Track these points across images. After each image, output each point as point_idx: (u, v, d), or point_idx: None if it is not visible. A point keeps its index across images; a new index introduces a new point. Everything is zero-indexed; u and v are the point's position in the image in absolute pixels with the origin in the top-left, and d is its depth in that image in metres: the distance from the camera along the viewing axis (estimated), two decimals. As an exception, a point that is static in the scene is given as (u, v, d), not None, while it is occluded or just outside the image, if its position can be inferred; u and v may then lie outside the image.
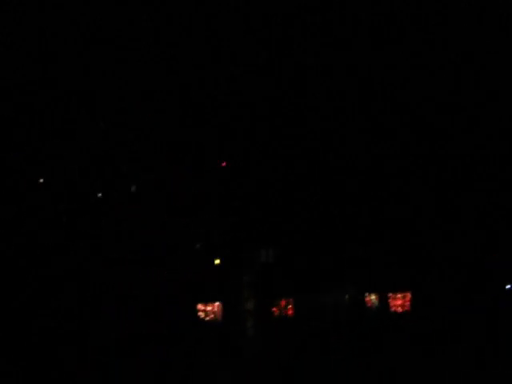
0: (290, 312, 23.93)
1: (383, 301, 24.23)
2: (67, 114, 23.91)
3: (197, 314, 23.16)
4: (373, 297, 24.34)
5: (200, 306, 23.31)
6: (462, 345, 20.87)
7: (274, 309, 23.75)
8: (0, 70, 23.76)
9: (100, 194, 23.82)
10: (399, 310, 24.19)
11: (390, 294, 24.26)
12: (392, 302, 24.26)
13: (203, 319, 23.21)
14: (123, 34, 23.99)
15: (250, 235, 23.74)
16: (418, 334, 22.26)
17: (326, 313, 23.64)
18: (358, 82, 23.95)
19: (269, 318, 23.49)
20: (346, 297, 24.16)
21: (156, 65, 24.23)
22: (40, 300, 22.06)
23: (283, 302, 24.03)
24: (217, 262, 23.62)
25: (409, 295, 24.13)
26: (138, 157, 24.28)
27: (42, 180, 23.88)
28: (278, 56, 23.86)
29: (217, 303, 23.40)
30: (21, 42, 24.06)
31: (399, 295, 24.21)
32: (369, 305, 24.33)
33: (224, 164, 24.42)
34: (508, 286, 23.29)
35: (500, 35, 22.91)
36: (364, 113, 23.90)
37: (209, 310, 23.28)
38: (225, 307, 23.31)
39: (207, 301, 23.33)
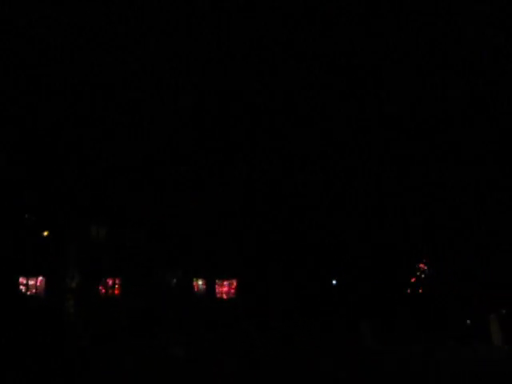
0: (117, 291, 24.02)
1: (210, 286, 25.05)
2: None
3: (17, 287, 22.31)
4: (200, 282, 25.17)
5: (22, 280, 22.56)
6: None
7: (101, 287, 23.69)
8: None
9: None
10: (224, 296, 25.05)
11: (217, 281, 25.16)
12: (218, 289, 25.14)
13: (24, 293, 22.45)
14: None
15: (81, 211, 23.58)
16: (242, 317, 22.75)
17: (153, 294, 23.82)
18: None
19: (94, 297, 23.14)
20: (174, 280, 24.73)
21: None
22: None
23: (110, 281, 24.14)
24: (45, 233, 22.88)
25: (235, 283, 25.03)
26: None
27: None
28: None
29: (40, 278, 22.67)
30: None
31: (225, 282, 25.15)
32: (195, 289, 25.07)
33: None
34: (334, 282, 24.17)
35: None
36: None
37: (31, 284, 22.63)
38: (48, 282, 22.56)
39: (28, 274, 22.54)
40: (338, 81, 24.04)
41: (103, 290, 23.84)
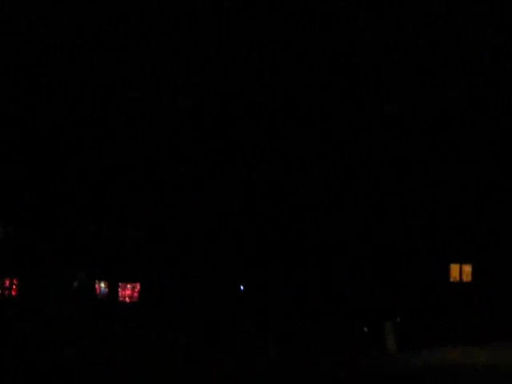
0: (14, 292, 23.55)
1: (112, 289, 24.55)
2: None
3: None
4: (102, 284, 24.65)
5: None
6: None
7: None
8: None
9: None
10: (127, 300, 24.60)
11: (120, 284, 24.63)
12: (121, 292, 24.62)
13: None
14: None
15: None
16: (146, 323, 22.50)
17: (53, 295, 23.36)
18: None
19: None
20: (75, 282, 24.24)
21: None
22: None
23: (7, 282, 23.54)
24: None
25: (138, 286, 24.53)
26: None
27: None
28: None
29: None
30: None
31: (129, 285, 24.58)
32: (97, 292, 24.57)
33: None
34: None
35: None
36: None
37: None
38: None
39: None
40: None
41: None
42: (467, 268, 24.58)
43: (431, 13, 22.95)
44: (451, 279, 24.61)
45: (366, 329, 21.46)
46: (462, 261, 24.55)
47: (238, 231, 24.72)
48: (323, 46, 23.82)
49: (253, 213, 24.88)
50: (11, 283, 23.66)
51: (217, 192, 25.01)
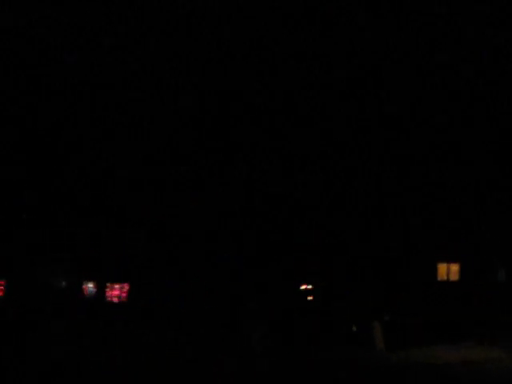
0: (1, 293, 23.52)
1: (100, 289, 24.50)
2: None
3: None
4: (90, 285, 24.58)
5: None
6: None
7: None
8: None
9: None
10: (115, 300, 24.52)
11: (108, 284, 24.59)
12: (109, 292, 24.58)
13: None
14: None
15: None
16: (130, 322, 22.50)
17: (42, 296, 23.37)
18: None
19: None
20: (63, 282, 24.26)
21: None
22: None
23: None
24: None
25: (126, 286, 24.50)
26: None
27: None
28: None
29: None
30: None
31: (117, 285, 24.54)
32: (85, 292, 24.50)
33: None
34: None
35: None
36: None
37: None
38: None
39: None
40: (338, 81, 24.03)
41: None
42: (454, 267, 24.70)
43: (431, 13, 22.95)
44: (438, 278, 24.73)
45: (354, 328, 21.56)
46: (449, 260, 24.65)
47: (238, 231, 24.72)
48: (323, 46, 23.82)
49: (253, 213, 24.88)
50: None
51: (217, 192, 25.01)
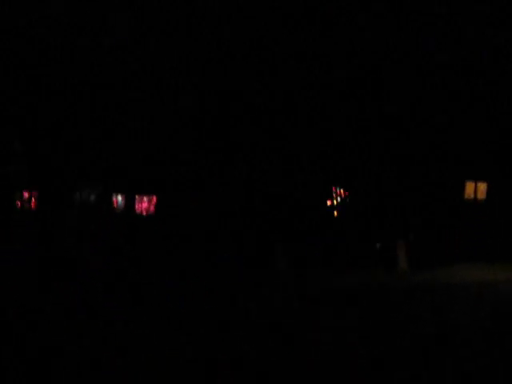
0: (33, 205, 23.32)
1: (129, 202, 24.52)
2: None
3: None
4: (119, 197, 24.64)
5: None
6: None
7: (18, 202, 23.16)
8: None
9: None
10: (144, 212, 24.48)
11: (137, 196, 24.62)
12: (138, 205, 24.58)
13: None
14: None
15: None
16: (163, 235, 22.45)
17: (76, 210, 23.45)
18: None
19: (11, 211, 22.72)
20: (93, 195, 24.29)
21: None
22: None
23: (26, 195, 23.40)
24: None
25: (154, 199, 24.38)
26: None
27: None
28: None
29: None
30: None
31: (145, 198, 24.53)
32: (115, 205, 24.53)
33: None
34: None
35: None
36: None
37: None
38: None
39: None
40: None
41: (20, 204, 23.07)
42: (482, 186, 23.98)
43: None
44: (465, 197, 24.02)
45: (378, 245, 20.95)
46: (476, 178, 23.93)
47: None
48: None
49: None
50: (30, 196, 23.25)
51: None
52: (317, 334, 9.59)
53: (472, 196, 23.94)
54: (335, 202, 24.25)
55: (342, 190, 24.42)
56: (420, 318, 11.07)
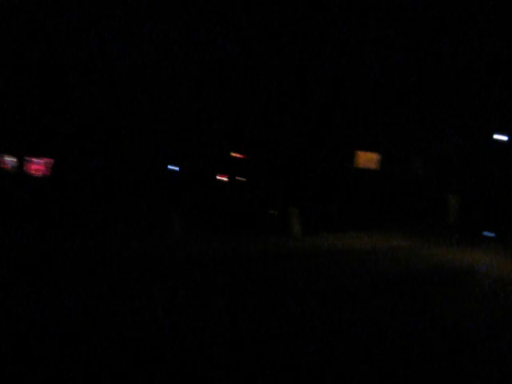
0: None
1: (20, 163, 24.83)
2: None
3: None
4: (11, 158, 24.93)
5: None
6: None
7: None
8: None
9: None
10: (37, 173, 24.73)
11: (28, 158, 24.78)
12: (30, 166, 24.83)
13: None
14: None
15: None
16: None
17: None
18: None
19: None
20: None
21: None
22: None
23: None
24: None
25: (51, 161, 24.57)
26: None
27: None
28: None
29: None
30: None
31: (37, 160, 24.73)
32: (7, 166, 24.93)
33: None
34: None
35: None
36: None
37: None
38: None
39: None
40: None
41: None
42: (373, 156, 24.37)
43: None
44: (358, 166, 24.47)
45: (273, 212, 21.31)
46: (368, 149, 24.38)
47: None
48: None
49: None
50: None
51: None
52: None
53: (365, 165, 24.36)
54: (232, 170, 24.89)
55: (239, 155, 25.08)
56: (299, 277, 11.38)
